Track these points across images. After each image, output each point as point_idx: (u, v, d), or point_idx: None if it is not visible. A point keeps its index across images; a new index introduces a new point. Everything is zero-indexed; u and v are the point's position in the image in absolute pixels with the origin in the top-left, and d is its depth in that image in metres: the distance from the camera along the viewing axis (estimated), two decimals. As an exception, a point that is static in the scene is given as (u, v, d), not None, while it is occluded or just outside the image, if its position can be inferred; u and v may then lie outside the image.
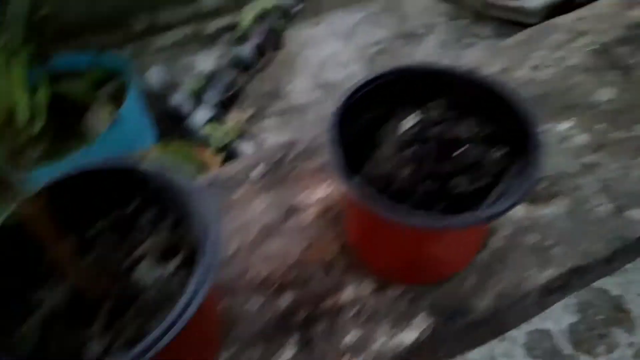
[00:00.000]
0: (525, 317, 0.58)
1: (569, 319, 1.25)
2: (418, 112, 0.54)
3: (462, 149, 0.50)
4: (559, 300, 0.59)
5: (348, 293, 0.55)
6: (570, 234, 0.59)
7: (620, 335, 1.22)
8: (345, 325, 0.53)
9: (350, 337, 0.53)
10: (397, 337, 0.53)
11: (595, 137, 0.67)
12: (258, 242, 0.59)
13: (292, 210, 0.62)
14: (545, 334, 1.24)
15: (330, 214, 0.61)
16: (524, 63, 0.75)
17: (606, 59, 0.75)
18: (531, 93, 0.72)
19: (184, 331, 0.35)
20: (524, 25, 1.69)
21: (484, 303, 0.55)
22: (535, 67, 0.75)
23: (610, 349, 1.20)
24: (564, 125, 0.68)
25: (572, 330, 1.23)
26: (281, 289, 0.56)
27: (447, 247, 0.51)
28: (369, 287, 0.56)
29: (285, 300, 0.55)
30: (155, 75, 1.49)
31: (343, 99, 0.51)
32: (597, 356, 1.19)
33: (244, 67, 1.49)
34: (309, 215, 0.61)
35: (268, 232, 0.60)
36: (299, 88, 0.78)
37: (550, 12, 1.75)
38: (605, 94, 0.72)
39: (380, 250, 0.55)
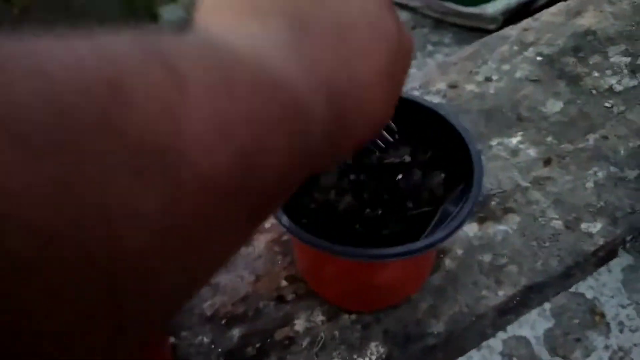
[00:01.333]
0: (483, 338, 0.57)
1: (545, 324, 1.25)
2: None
3: (403, 174, 0.49)
4: (516, 319, 0.58)
5: (300, 324, 0.54)
6: (523, 251, 0.58)
7: (596, 338, 1.22)
8: (297, 357, 0.52)
9: (302, 372, 0.51)
10: (351, 369, 0.52)
11: (546, 150, 0.67)
12: (206, 278, 0.58)
13: (241, 242, 0.60)
14: (522, 340, 1.24)
15: (280, 243, 0.59)
16: (473, 77, 0.75)
17: (554, 69, 0.76)
18: (481, 107, 0.72)
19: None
20: (483, 31, 1.71)
21: (438, 327, 0.54)
22: (484, 81, 0.75)
23: (587, 353, 1.20)
24: (514, 139, 0.68)
25: (548, 335, 1.23)
26: (231, 323, 0.54)
27: (392, 275, 0.50)
28: (321, 316, 0.55)
29: (236, 334, 0.54)
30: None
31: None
32: (574, 361, 1.19)
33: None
34: (258, 245, 0.59)
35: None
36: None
37: (509, 18, 1.77)
38: (554, 106, 0.72)
39: (328, 279, 0.54)
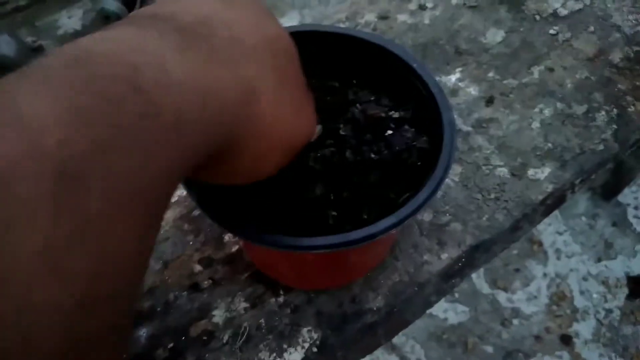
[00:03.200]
0: (427, 306, 0.51)
1: (485, 257, 1.24)
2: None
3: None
4: (461, 281, 0.52)
5: (219, 315, 0.46)
6: (467, 206, 0.52)
7: (534, 267, 1.22)
8: (217, 356, 0.45)
9: (225, 370, 0.44)
10: (281, 359, 0.45)
11: (488, 87, 0.60)
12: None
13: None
14: (463, 274, 1.22)
15: (190, 220, 0.50)
16: (406, 5, 0.66)
17: (494, -7, 0.67)
18: (415, 41, 0.63)
19: None
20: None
21: (377, 302, 0.47)
22: (418, 9, 0.66)
23: (526, 282, 1.20)
24: (452, 77, 0.60)
25: (488, 268, 1.22)
26: (137, 322, 0.46)
27: (335, 261, 0.42)
28: (243, 303, 0.47)
29: (143, 335, 0.45)
30: (5, 42, 1.28)
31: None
32: (515, 291, 1.19)
33: (114, 19, 1.30)
34: (164, 225, 0.50)
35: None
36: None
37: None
38: (495, 35, 0.64)
39: (282, 269, 0.46)
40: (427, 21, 0.65)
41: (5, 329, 0.14)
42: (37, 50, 1.33)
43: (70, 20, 1.45)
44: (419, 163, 0.39)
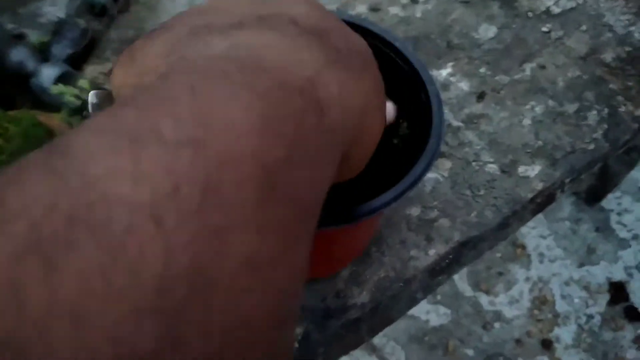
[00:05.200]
0: (412, 303, 0.50)
1: (468, 259, 1.23)
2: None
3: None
4: (448, 278, 0.51)
5: (197, 306, 0.44)
6: (456, 202, 0.51)
7: (517, 271, 1.21)
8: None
9: (201, 365, 0.42)
10: (260, 354, 0.43)
11: (479, 82, 0.59)
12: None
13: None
14: (446, 277, 1.22)
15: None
16: (398, -2, 0.65)
17: (487, -12, 0.66)
18: (406, 34, 0.62)
19: None
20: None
21: (362, 297, 0.46)
22: (410, 3, 0.64)
23: (509, 286, 1.20)
24: (444, 71, 0.59)
25: (471, 270, 1.21)
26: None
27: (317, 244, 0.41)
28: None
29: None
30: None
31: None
32: (497, 295, 1.18)
33: (99, 11, 1.27)
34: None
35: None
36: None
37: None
38: (487, 31, 0.63)
39: None
40: (419, 14, 0.64)
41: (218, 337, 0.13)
42: (19, 38, 1.30)
43: (53, 8, 1.42)
44: (400, 146, 0.38)
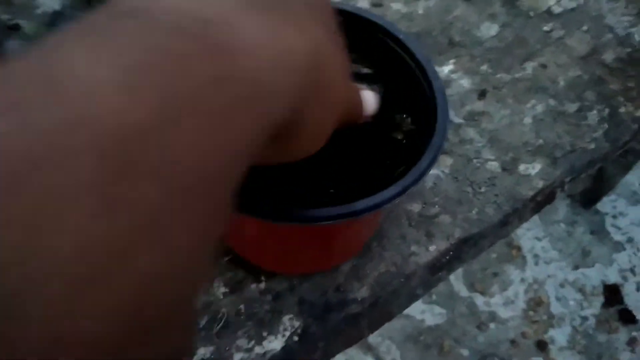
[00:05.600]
0: (412, 299, 0.50)
1: (464, 260, 1.23)
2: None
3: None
4: (448, 275, 0.51)
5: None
6: (457, 199, 0.51)
7: (512, 272, 1.21)
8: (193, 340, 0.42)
9: (199, 357, 0.42)
10: (259, 348, 0.43)
11: (480, 80, 0.59)
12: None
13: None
14: (441, 277, 1.22)
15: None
16: (400, -5, 0.65)
17: (489, -13, 0.67)
18: (408, 30, 0.62)
19: None
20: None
21: (362, 292, 0.46)
22: None
23: (504, 287, 1.20)
24: (445, 68, 0.59)
25: (467, 270, 1.22)
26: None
27: (324, 238, 0.41)
28: (223, 288, 0.45)
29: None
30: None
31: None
32: (492, 295, 1.19)
33: (95, 2, 1.26)
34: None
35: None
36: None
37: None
38: (489, 29, 0.63)
39: (244, 234, 0.43)
40: (421, 11, 0.64)
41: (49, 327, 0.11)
42: (14, 29, 1.29)
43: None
44: (404, 141, 0.38)
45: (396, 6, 0.64)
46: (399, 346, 1.09)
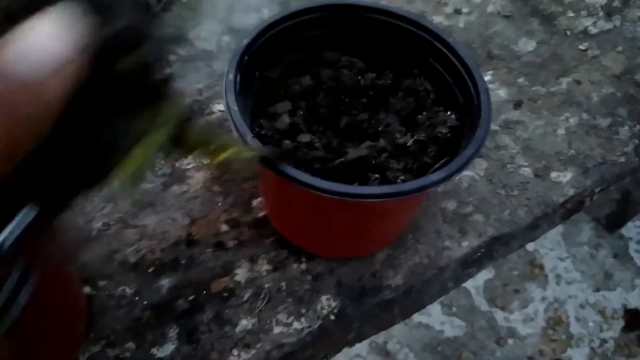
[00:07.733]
0: (443, 292, 0.52)
1: (485, 274, 1.25)
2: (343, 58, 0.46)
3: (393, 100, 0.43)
4: (478, 272, 0.54)
5: (241, 274, 0.47)
6: (490, 200, 0.53)
7: (534, 290, 1.22)
8: (236, 312, 0.45)
9: (242, 327, 0.45)
10: (297, 323, 0.46)
11: (517, 92, 0.61)
12: (130, 216, 0.49)
13: (173, 177, 0.52)
14: (462, 290, 1.23)
15: (220, 182, 0.52)
16: (442, 8, 0.68)
17: (527, 5, 0.70)
18: (450, 42, 0.65)
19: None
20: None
21: (396, 280, 0.48)
22: (454, 13, 0.68)
23: (524, 304, 1.21)
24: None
25: (488, 286, 1.23)
26: (159, 271, 0.47)
27: (368, 220, 0.44)
28: (266, 265, 0.48)
29: (165, 285, 0.46)
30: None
31: (247, 40, 0.41)
32: (512, 311, 1.19)
33: (142, 8, 1.31)
34: (194, 184, 0.51)
35: (143, 203, 0.50)
36: (206, 33, 0.67)
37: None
38: (526, 45, 0.66)
39: (291, 214, 0.47)
40: (461, 25, 0.67)
41: None
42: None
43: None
44: (448, 135, 0.41)
45: (438, 19, 0.67)
46: (417, 355, 1.11)
